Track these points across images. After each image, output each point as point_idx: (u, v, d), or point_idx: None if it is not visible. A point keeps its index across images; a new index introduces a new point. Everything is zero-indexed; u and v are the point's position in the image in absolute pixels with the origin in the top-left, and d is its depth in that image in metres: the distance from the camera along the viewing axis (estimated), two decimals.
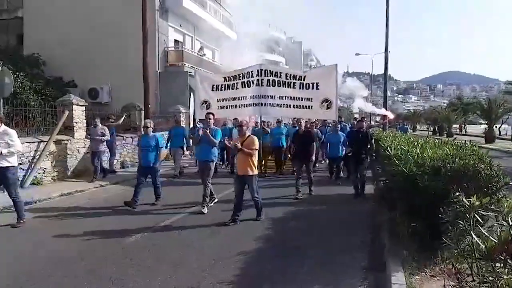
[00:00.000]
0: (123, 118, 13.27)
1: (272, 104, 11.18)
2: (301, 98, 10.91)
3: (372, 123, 18.75)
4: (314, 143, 8.83)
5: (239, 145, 6.41)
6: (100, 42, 17.54)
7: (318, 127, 14.48)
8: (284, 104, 11.09)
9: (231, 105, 11.73)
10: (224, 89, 11.77)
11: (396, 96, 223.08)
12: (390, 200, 5.87)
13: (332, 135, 10.97)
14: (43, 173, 9.98)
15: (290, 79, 11.01)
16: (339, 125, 11.75)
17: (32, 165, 9.56)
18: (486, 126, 32.72)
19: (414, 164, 4.31)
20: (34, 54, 17.67)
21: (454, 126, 48.59)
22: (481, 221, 2.49)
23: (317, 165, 12.32)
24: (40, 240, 5.62)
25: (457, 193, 2.79)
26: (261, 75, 11.04)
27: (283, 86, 11.01)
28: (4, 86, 8.63)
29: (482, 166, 4.00)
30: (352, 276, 4.27)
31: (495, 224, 2.53)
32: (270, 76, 11.07)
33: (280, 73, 11.16)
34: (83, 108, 11.62)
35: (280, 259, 4.84)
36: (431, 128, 53.54)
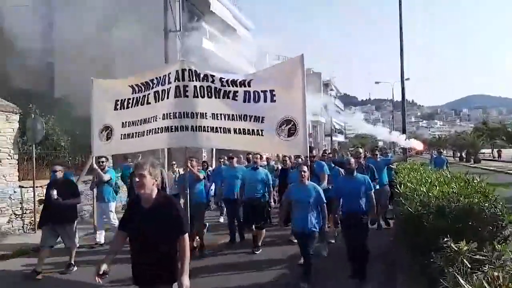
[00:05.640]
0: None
1: (202, 128, 6.65)
2: (246, 117, 6.40)
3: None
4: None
5: None
6: None
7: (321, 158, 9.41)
8: (220, 128, 6.60)
9: (137, 133, 7.10)
10: (132, 106, 7.15)
11: (420, 121, 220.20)
12: (404, 237, 5.97)
13: (345, 180, 6.12)
14: None
15: (228, 85, 6.50)
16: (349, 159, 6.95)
17: None
18: None
19: (420, 204, 4.45)
20: (64, 96, 18.68)
21: (481, 151, 47.53)
22: (469, 266, 2.63)
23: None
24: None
25: (446, 239, 2.95)
26: (183, 79, 6.65)
27: (216, 97, 6.56)
28: (37, 132, 9.31)
29: (487, 204, 4.11)
30: None
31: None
32: (197, 80, 6.63)
33: (212, 76, 6.58)
34: None
35: None
36: (458, 155, 52.42)
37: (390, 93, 45.92)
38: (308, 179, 5.66)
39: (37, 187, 9.44)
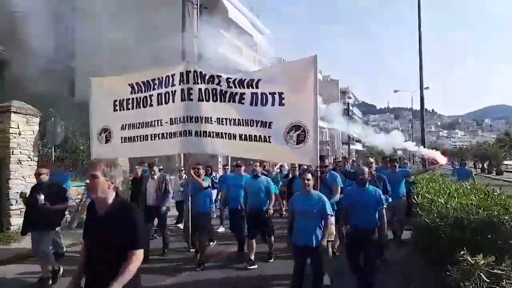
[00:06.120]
0: None
1: (207, 133, 6.49)
2: (253, 122, 6.03)
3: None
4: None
5: None
6: None
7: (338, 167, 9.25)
8: (225, 134, 6.34)
9: (140, 136, 6.92)
10: (132, 107, 6.97)
11: (440, 131, 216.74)
12: (421, 249, 5.83)
13: (356, 191, 5.51)
14: None
15: (235, 86, 6.15)
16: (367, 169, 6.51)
17: (79, 208, 10.21)
18: None
19: (438, 215, 4.34)
20: (83, 100, 19.02)
21: (504, 163, 46.36)
22: (486, 280, 2.53)
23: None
24: None
25: (462, 251, 2.85)
26: (187, 82, 6.50)
27: (222, 100, 6.28)
28: (56, 135, 9.50)
29: (507, 217, 3.98)
30: None
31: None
32: (202, 82, 6.41)
33: (219, 76, 6.30)
34: None
35: None
36: (479, 166, 51.25)
37: (410, 102, 45.18)
38: (312, 188, 5.08)
39: None
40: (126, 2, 18.51)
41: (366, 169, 5.54)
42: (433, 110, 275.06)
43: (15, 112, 9.12)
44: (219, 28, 19.58)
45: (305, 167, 8.15)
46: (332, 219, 5.81)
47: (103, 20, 17.47)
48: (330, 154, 33.36)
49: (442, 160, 11.62)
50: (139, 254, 2.62)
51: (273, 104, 5.84)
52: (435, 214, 4.38)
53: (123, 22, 17.15)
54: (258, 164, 7.44)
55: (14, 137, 9.10)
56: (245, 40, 22.84)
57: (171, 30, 16.05)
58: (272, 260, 7.18)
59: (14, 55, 17.55)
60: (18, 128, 9.19)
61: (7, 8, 17.67)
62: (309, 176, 5.02)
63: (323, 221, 4.91)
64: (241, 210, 7.76)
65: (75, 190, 10.26)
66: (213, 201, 8.46)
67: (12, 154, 9.03)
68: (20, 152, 9.22)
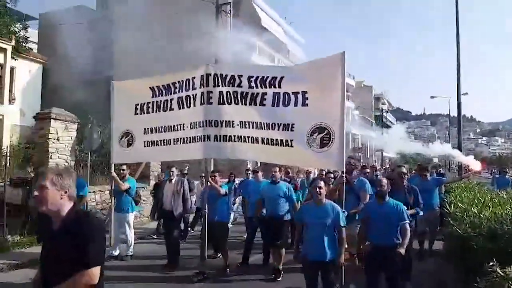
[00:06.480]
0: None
1: (228, 137, 6.19)
2: (274, 125, 5.73)
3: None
4: None
5: None
6: None
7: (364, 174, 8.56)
8: (247, 138, 6.04)
9: (163, 140, 6.74)
10: (154, 111, 6.80)
11: (479, 138, 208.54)
12: (453, 259, 5.64)
13: (375, 204, 5.05)
14: None
15: (257, 86, 5.86)
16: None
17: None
18: None
19: (470, 225, 4.21)
20: None
21: None
22: None
23: None
24: None
25: (491, 263, 2.75)
26: (207, 85, 6.15)
27: (243, 103, 5.99)
28: (93, 141, 9.85)
29: None
30: None
31: None
32: (223, 85, 6.10)
33: (240, 76, 5.99)
34: None
35: None
36: None
37: (447, 108, 43.55)
38: (325, 195, 4.72)
39: (89, 192, 9.92)
40: (160, 14, 19.09)
41: (384, 181, 4.97)
42: (471, 116, 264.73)
43: (54, 119, 9.54)
44: (251, 36, 19.83)
45: (331, 174, 7.94)
46: (357, 229, 5.63)
47: (136, 30, 18.04)
48: (362, 161, 32.82)
49: (476, 166, 10.95)
50: (90, 273, 2.28)
51: (296, 105, 5.53)
52: (467, 224, 4.24)
53: (157, 31, 17.65)
54: (277, 169, 7.04)
55: (53, 142, 9.51)
56: (277, 47, 23.01)
57: (203, 38, 16.41)
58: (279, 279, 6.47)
59: (54, 65, 18.41)
60: (57, 133, 9.60)
61: (49, 20, 18.55)
62: (321, 184, 4.69)
63: (336, 234, 4.54)
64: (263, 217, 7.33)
65: (108, 194, 10.57)
66: (230, 206, 8.34)
67: (51, 158, 9.43)
68: (58, 157, 9.63)
